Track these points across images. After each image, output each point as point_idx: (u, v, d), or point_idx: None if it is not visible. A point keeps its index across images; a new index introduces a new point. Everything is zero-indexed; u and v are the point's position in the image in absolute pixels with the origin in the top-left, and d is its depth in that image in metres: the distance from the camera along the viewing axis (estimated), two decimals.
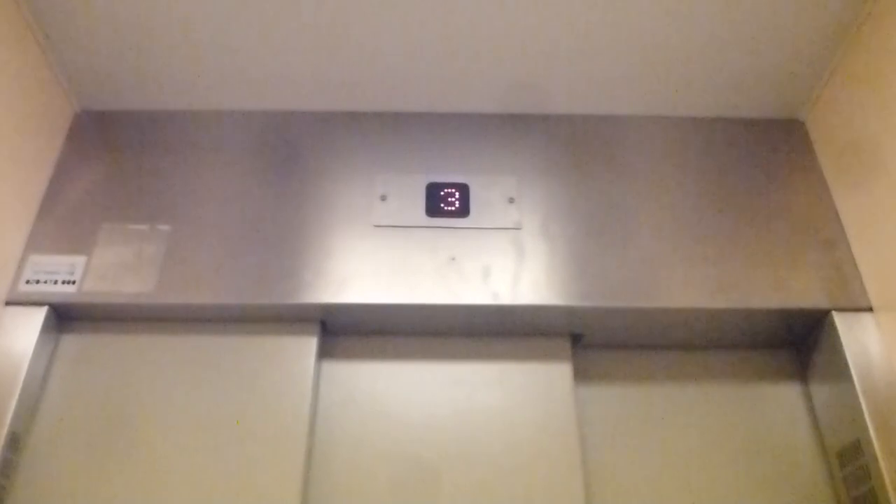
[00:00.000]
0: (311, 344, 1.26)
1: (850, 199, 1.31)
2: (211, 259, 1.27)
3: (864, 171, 1.26)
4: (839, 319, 1.23)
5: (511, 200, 1.36)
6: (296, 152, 1.41)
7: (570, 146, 1.43)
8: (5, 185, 1.22)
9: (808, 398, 1.32)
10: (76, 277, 1.24)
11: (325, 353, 1.30)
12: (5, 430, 1.11)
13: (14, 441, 1.13)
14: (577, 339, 1.34)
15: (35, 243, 1.28)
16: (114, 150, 1.40)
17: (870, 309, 1.24)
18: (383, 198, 1.36)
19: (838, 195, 1.34)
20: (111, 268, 1.26)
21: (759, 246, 1.30)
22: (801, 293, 1.25)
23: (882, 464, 1.11)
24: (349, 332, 1.32)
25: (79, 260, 1.26)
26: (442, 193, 1.36)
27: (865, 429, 1.14)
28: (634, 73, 1.38)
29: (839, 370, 1.21)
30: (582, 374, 1.34)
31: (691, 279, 1.27)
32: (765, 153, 1.42)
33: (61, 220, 1.31)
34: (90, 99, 1.43)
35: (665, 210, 1.35)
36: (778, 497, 1.24)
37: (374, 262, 1.28)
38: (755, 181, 1.38)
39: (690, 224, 1.33)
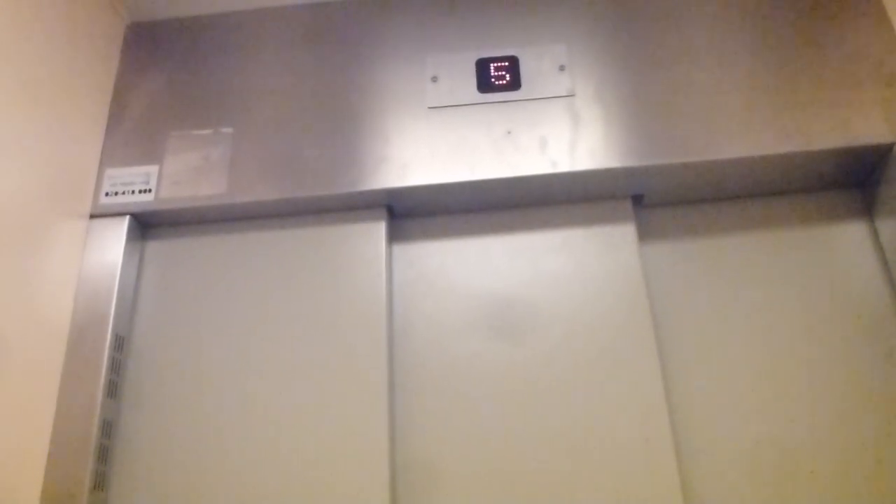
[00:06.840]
0: (380, 228, 1.31)
1: None
2: (275, 156, 1.31)
3: None
4: None
5: (562, 68, 1.35)
6: (344, 43, 1.41)
7: (617, 5, 1.40)
8: (73, 106, 1.26)
9: (875, 235, 1.31)
10: (151, 186, 1.30)
11: (394, 236, 1.34)
12: (109, 333, 1.19)
13: (119, 342, 1.22)
14: (638, 200, 1.35)
15: (108, 157, 1.33)
16: (167, 58, 1.42)
17: None
18: (434, 79, 1.36)
19: None
20: (183, 174, 1.30)
21: (818, 86, 1.28)
22: (864, 129, 1.23)
23: None
24: (415, 213, 1.36)
25: (152, 169, 1.31)
26: (492, 68, 1.36)
27: None
28: None
29: None
30: (646, 234, 1.35)
31: (751, 127, 1.25)
32: None
33: (129, 132, 1.35)
34: (138, 10, 1.45)
35: (719, 59, 1.32)
36: (848, 335, 1.25)
37: (432, 143, 1.30)
38: (812, 19, 1.34)
39: (746, 71, 1.30)
